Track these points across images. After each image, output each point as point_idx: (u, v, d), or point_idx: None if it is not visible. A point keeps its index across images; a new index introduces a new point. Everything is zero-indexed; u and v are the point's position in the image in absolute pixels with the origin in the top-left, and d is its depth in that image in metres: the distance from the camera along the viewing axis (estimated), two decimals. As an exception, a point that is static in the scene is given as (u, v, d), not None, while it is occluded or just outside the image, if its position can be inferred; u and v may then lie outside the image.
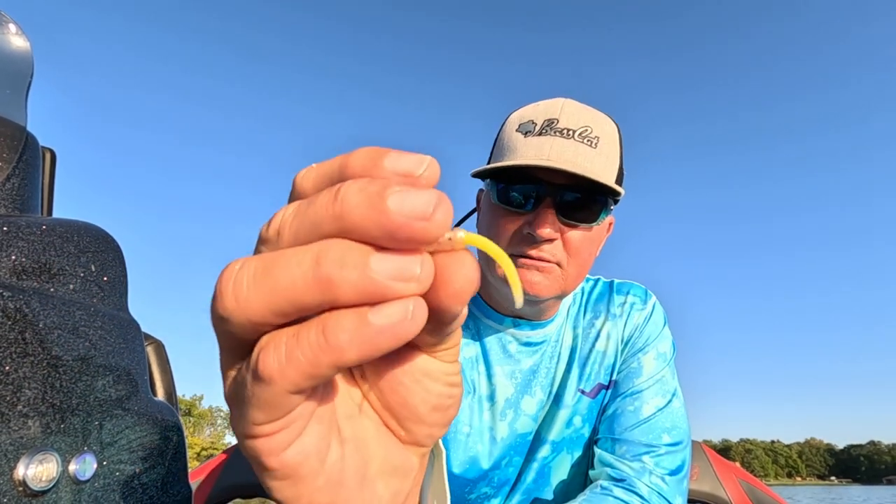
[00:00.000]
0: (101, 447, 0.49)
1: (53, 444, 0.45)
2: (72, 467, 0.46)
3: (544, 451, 0.78)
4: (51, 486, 0.44)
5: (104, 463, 0.50)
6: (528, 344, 0.79)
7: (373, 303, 0.18)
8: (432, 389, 0.25)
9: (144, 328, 0.60)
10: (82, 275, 0.52)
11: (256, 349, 0.19)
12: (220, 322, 0.19)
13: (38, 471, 0.43)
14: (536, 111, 0.73)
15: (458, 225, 0.79)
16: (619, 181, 0.72)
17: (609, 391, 0.79)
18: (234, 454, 1.55)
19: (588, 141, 0.69)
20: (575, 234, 0.71)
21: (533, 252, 0.70)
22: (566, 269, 0.72)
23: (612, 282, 0.88)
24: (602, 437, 0.78)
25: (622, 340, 0.81)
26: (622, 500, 0.68)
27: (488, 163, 0.77)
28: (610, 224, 0.80)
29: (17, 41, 0.59)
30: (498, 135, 0.77)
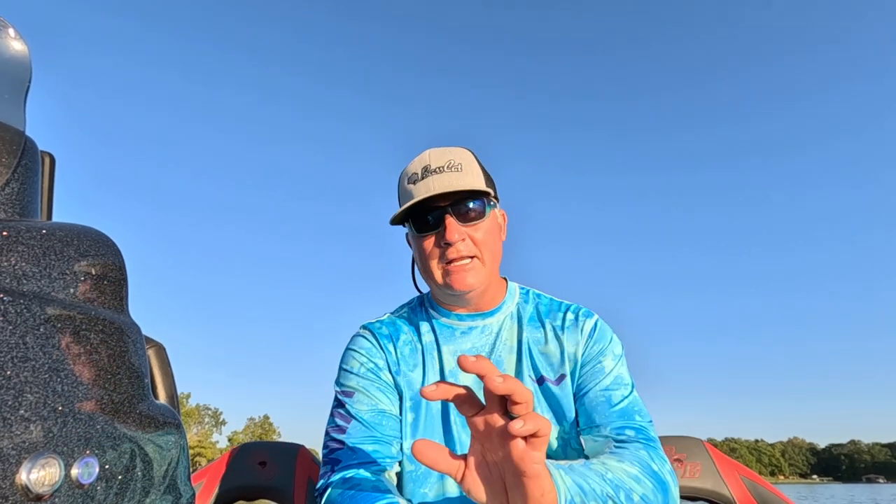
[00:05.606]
0: (103, 451, 0.49)
1: (56, 447, 0.45)
2: (74, 471, 0.46)
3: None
4: (53, 489, 0.44)
5: (106, 466, 0.49)
6: (468, 330, 1.05)
7: None
8: None
9: (145, 331, 0.60)
10: (82, 278, 0.52)
11: None
12: None
13: (40, 475, 0.43)
14: (413, 165, 1.01)
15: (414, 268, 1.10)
16: (490, 186, 1.03)
17: (556, 386, 1.01)
18: (237, 455, 1.55)
19: (453, 168, 0.98)
20: (476, 231, 0.99)
21: (453, 255, 0.97)
22: (482, 258, 1.00)
23: (560, 301, 1.11)
24: (585, 427, 0.97)
25: (577, 346, 1.02)
26: (645, 448, 0.88)
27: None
28: (502, 216, 1.10)
29: (16, 45, 0.59)
30: (398, 192, 1.05)
